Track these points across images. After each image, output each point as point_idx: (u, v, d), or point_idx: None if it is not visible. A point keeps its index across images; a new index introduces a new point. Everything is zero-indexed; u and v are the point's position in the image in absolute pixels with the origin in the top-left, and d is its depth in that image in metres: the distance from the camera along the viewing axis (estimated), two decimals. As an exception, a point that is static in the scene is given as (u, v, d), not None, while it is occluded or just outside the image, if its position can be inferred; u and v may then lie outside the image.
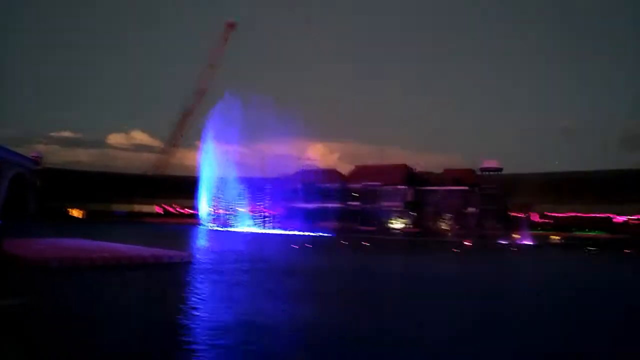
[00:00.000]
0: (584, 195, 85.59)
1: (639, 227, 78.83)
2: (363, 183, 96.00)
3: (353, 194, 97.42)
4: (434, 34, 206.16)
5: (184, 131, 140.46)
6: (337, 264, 34.87)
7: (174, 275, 24.82)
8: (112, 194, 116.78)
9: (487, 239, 69.72)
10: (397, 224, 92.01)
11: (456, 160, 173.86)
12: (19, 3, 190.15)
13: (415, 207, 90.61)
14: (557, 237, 71.76)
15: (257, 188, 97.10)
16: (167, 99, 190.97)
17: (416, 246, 59.10)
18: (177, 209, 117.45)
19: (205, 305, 17.39)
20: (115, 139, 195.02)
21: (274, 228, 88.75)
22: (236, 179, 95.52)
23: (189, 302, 17.73)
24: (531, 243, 62.78)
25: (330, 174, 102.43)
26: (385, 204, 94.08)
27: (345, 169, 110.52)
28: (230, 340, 12.92)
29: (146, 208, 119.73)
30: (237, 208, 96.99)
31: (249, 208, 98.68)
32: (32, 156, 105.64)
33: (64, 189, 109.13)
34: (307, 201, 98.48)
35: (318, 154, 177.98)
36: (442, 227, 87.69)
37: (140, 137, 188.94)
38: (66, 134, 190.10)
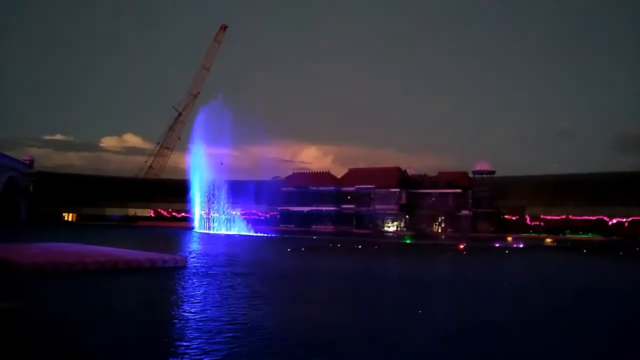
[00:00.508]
0: (578, 197, 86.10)
1: (633, 229, 79.36)
2: (357, 186, 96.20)
3: (347, 197, 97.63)
4: (429, 34, 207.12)
5: (178, 134, 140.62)
6: (331, 267, 34.92)
7: (168, 279, 24.82)
8: (106, 197, 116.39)
9: (480, 241, 70.07)
10: (391, 227, 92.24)
11: (450, 162, 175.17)
12: (15, 4, 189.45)
13: (409, 209, 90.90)
14: (550, 240, 72.18)
15: (249, 191, 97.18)
16: (160, 102, 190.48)
17: (409, 249, 59.28)
18: (171, 212, 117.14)
19: (199, 308, 17.44)
20: (108, 142, 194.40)
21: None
22: (228, 182, 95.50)
23: (183, 306, 17.78)
24: (523, 246, 63.13)
25: (324, 176, 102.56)
26: (379, 206, 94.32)
27: (339, 171, 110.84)
28: (223, 342, 12.98)
29: (141, 212, 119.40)
30: (229, 211, 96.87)
31: (241, 211, 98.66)
32: (25, 160, 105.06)
33: (56, 193, 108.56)
34: (301, 204, 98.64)
35: (312, 157, 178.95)
36: (436, 230, 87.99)
37: (133, 140, 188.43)
38: (58, 137, 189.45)
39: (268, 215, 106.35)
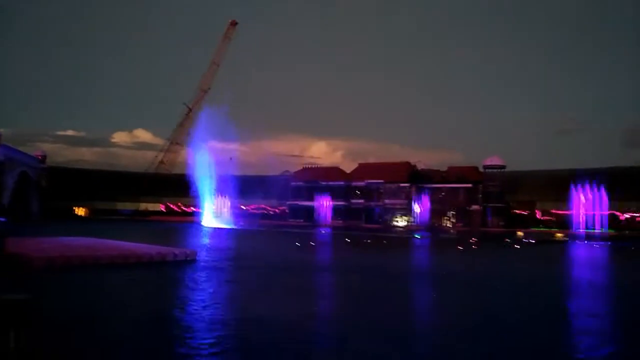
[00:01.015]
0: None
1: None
2: (366, 181, 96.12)
3: (356, 191, 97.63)
4: (436, 31, 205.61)
5: (188, 130, 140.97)
6: (338, 261, 34.99)
7: (179, 272, 25.04)
8: (117, 192, 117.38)
9: (491, 236, 69.79)
10: (401, 222, 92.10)
11: (459, 157, 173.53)
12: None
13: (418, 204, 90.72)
14: (561, 234, 71.72)
15: (258, 186, 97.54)
16: (170, 98, 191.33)
17: (419, 244, 59.18)
18: (181, 207, 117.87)
19: (210, 302, 17.60)
20: (119, 137, 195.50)
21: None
22: (237, 177, 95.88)
23: (195, 300, 17.94)
24: (534, 240, 62.81)
25: (333, 171, 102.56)
26: (389, 201, 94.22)
27: (348, 166, 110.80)
28: (232, 335, 13.09)
29: (152, 206, 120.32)
30: (239, 206, 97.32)
31: (250, 206, 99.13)
32: (37, 155, 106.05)
33: (69, 188, 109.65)
34: (310, 199, 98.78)
35: (321, 152, 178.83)
36: (446, 225, 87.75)
37: (144, 135, 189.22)
38: (70, 132, 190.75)
39: (277, 210, 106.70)
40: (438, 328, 15.51)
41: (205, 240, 51.53)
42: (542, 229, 79.41)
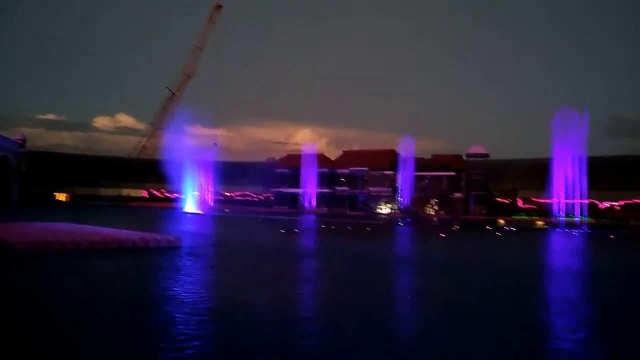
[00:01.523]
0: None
1: (624, 212, 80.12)
2: (351, 168, 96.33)
3: (341, 179, 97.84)
4: (420, 17, 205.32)
5: (171, 114, 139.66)
6: (321, 247, 35.22)
7: (162, 259, 24.95)
8: (99, 177, 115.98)
9: (473, 224, 70.62)
10: (384, 209, 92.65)
11: (444, 145, 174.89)
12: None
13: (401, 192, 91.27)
14: (541, 222, 72.90)
15: (242, 172, 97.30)
16: (153, 82, 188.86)
17: (401, 230, 59.73)
18: (164, 193, 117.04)
19: (194, 288, 17.64)
20: (100, 121, 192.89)
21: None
22: (221, 163, 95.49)
23: (178, 286, 17.95)
24: (515, 228, 63.76)
25: (318, 158, 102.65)
26: (373, 189, 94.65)
27: (333, 153, 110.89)
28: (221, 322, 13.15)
29: (134, 192, 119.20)
30: (223, 192, 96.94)
31: (234, 192, 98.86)
32: (17, 139, 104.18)
33: (49, 173, 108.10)
34: (294, 186, 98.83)
35: (306, 139, 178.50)
36: (428, 212, 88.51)
37: (125, 120, 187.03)
38: (51, 116, 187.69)
39: (262, 197, 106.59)
40: (415, 315, 15.74)
41: (189, 227, 51.35)
42: (523, 217, 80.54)
